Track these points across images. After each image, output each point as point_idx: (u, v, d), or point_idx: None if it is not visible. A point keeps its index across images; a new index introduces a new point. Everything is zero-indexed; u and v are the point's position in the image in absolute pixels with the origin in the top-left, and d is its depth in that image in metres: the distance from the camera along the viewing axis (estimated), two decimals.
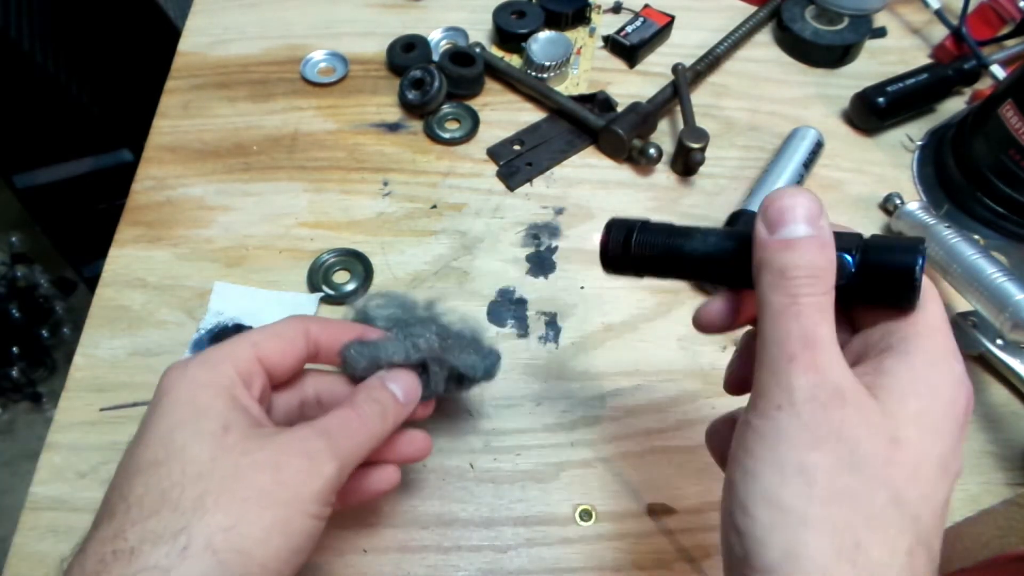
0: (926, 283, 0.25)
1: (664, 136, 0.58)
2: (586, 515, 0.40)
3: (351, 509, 0.36)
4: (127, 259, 0.50)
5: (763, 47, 0.65)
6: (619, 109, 0.57)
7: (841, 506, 0.21)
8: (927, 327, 0.24)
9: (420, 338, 0.34)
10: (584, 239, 0.51)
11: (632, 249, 0.31)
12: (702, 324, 0.30)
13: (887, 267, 0.24)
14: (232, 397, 0.27)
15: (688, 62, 0.59)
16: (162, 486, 0.24)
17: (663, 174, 0.56)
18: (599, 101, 0.58)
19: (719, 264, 0.28)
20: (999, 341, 0.45)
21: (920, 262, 0.24)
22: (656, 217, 0.53)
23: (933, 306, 0.25)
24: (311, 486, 0.26)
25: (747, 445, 0.23)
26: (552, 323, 0.47)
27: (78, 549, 0.24)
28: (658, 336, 0.47)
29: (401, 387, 0.32)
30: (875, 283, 0.25)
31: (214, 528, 0.23)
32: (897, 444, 0.22)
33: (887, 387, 0.23)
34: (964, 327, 0.46)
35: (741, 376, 0.30)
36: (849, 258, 0.25)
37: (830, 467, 0.21)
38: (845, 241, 0.25)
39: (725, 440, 0.27)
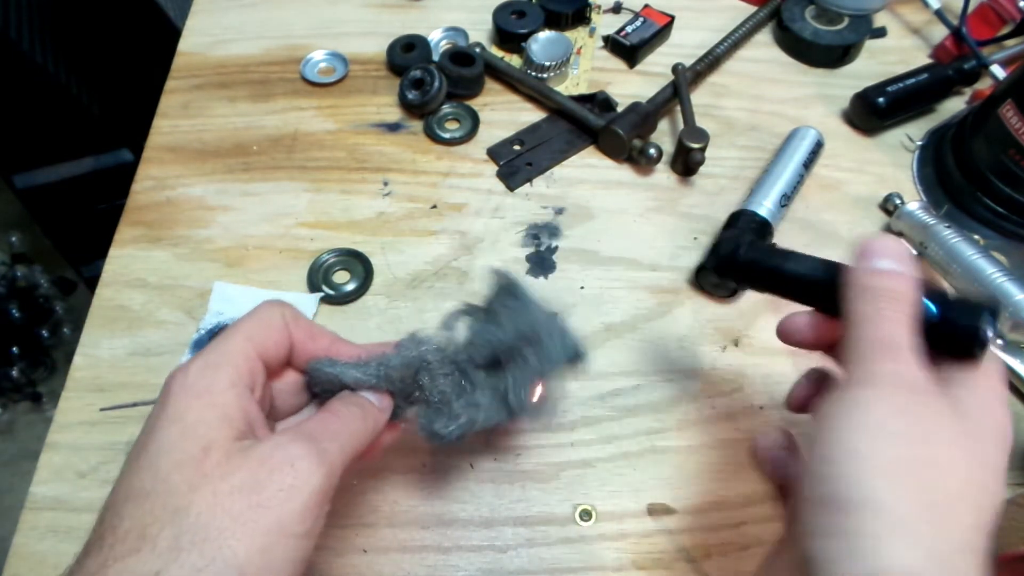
0: (992, 349, 0.28)
1: (664, 136, 0.58)
2: (586, 515, 0.40)
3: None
4: (127, 259, 0.50)
5: (763, 47, 0.65)
6: (619, 109, 0.57)
7: (919, 469, 0.23)
8: (986, 374, 0.27)
9: (394, 371, 0.32)
10: (584, 239, 0.52)
11: (739, 258, 0.34)
12: (784, 333, 0.32)
13: (960, 322, 0.28)
14: (227, 405, 0.26)
15: (688, 62, 0.59)
16: (144, 522, 0.23)
17: (663, 174, 0.56)
18: (599, 101, 0.58)
19: (811, 286, 0.31)
20: (999, 341, 0.45)
21: (988, 326, 0.27)
22: (657, 218, 0.53)
23: (993, 365, 0.28)
24: (295, 503, 0.25)
25: (835, 414, 0.25)
26: None
27: (69, 572, 0.24)
28: (658, 336, 0.47)
29: (374, 396, 0.31)
30: (949, 334, 0.28)
31: (188, 570, 0.22)
32: (966, 437, 0.24)
33: (953, 400, 0.26)
34: None
35: (802, 398, 0.33)
36: (932, 306, 0.28)
37: (908, 434, 0.24)
38: (930, 292, 0.29)
39: (780, 463, 0.31)
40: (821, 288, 0.31)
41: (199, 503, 0.24)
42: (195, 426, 0.25)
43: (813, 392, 0.32)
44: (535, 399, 0.36)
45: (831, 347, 0.32)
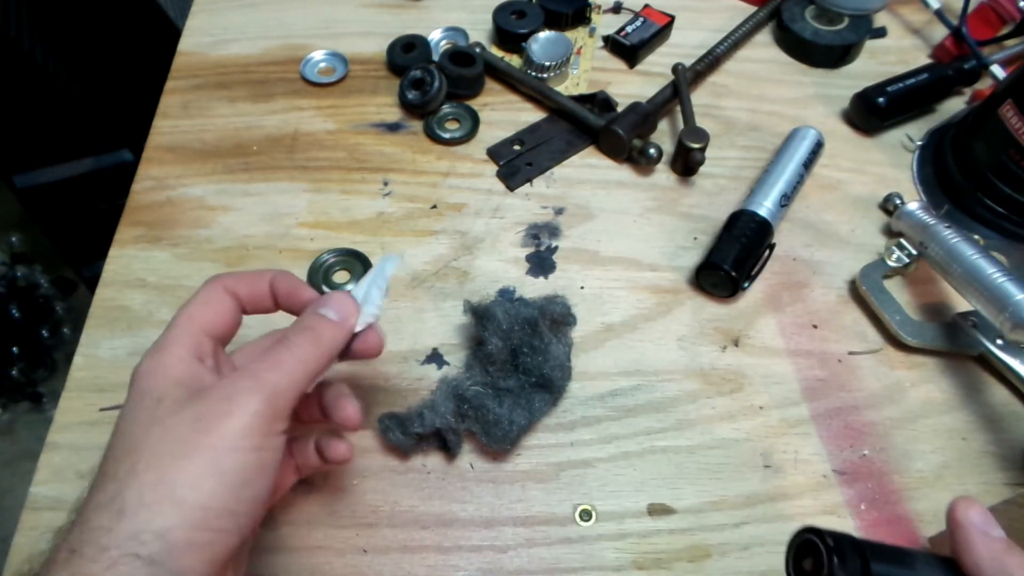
0: None
1: (664, 136, 0.58)
2: (586, 515, 0.40)
3: (309, 476, 0.39)
4: (127, 259, 0.50)
5: (763, 47, 0.65)
6: (619, 109, 0.57)
7: None
8: None
9: (440, 413, 0.40)
10: (584, 239, 0.52)
11: None
12: None
13: None
14: (180, 373, 0.29)
15: (688, 62, 0.59)
16: (105, 468, 0.27)
17: (663, 174, 0.56)
18: (599, 101, 0.58)
19: None
20: (999, 341, 0.45)
21: None
22: (657, 218, 0.53)
23: None
24: (233, 423, 0.27)
25: None
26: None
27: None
28: (658, 336, 0.47)
29: (334, 308, 0.32)
30: None
31: (143, 486, 0.26)
32: None
33: None
34: (964, 327, 0.46)
35: None
36: None
37: None
38: None
39: None
40: None
41: (151, 439, 0.27)
42: (149, 391, 0.29)
43: None
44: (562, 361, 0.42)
45: None
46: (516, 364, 0.41)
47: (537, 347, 0.41)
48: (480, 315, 0.42)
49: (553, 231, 0.52)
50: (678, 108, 0.57)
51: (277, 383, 0.29)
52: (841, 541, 0.26)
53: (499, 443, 0.40)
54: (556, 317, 0.43)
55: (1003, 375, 0.45)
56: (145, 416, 0.28)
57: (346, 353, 0.33)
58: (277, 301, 0.34)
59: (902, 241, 0.49)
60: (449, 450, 0.41)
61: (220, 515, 0.26)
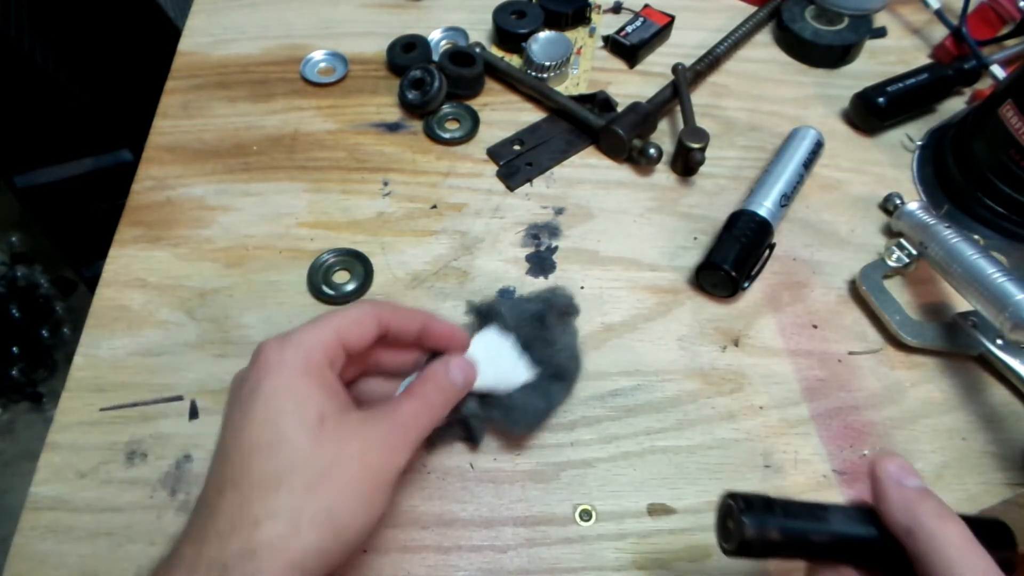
0: None
1: (664, 136, 0.58)
2: (586, 515, 0.40)
3: None
4: (127, 259, 0.50)
5: (763, 47, 0.65)
6: (619, 109, 0.57)
7: None
8: None
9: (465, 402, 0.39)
10: (584, 239, 0.52)
11: (768, 538, 0.27)
12: None
13: None
14: (325, 384, 0.32)
15: (688, 62, 0.59)
16: (278, 469, 0.29)
17: (663, 174, 0.56)
18: (599, 101, 0.58)
19: (859, 548, 0.28)
20: (999, 341, 0.45)
21: None
22: (657, 218, 0.53)
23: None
24: (389, 474, 0.31)
25: None
26: None
27: (202, 508, 0.29)
28: (658, 336, 0.47)
29: (461, 374, 0.37)
30: None
31: (319, 508, 0.29)
32: None
33: None
34: (964, 327, 0.46)
35: None
36: None
37: None
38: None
39: None
40: (873, 551, 0.27)
41: (323, 460, 0.30)
42: (307, 398, 0.31)
43: None
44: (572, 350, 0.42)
45: None
46: (530, 358, 0.41)
47: (547, 339, 0.41)
48: (484, 314, 0.42)
49: (553, 231, 0.52)
50: (678, 108, 0.57)
51: (418, 439, 0.33)
52: (752, 501, 0.28)
53: (521, 428, 0.40)
54: (562, 308, 0.43)
55: (1003, 375, 0.45)
56: (311, 431, 0.30)
57: None
58: (422, 342, 0.38)
59: (902, 241, 0.49)
60: (473, 439, 0.41)
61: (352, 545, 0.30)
